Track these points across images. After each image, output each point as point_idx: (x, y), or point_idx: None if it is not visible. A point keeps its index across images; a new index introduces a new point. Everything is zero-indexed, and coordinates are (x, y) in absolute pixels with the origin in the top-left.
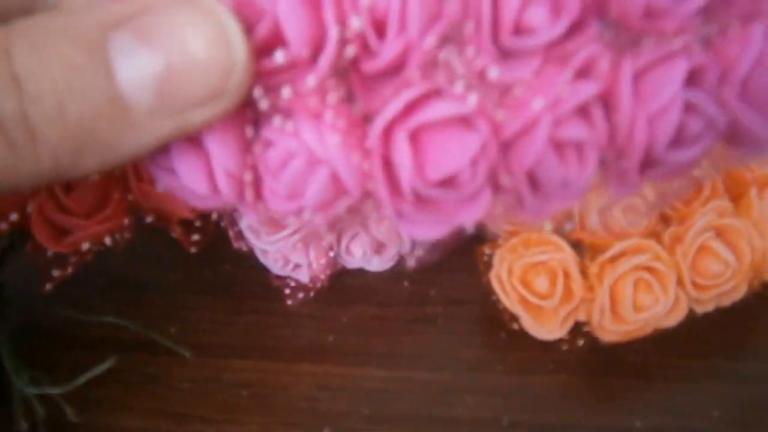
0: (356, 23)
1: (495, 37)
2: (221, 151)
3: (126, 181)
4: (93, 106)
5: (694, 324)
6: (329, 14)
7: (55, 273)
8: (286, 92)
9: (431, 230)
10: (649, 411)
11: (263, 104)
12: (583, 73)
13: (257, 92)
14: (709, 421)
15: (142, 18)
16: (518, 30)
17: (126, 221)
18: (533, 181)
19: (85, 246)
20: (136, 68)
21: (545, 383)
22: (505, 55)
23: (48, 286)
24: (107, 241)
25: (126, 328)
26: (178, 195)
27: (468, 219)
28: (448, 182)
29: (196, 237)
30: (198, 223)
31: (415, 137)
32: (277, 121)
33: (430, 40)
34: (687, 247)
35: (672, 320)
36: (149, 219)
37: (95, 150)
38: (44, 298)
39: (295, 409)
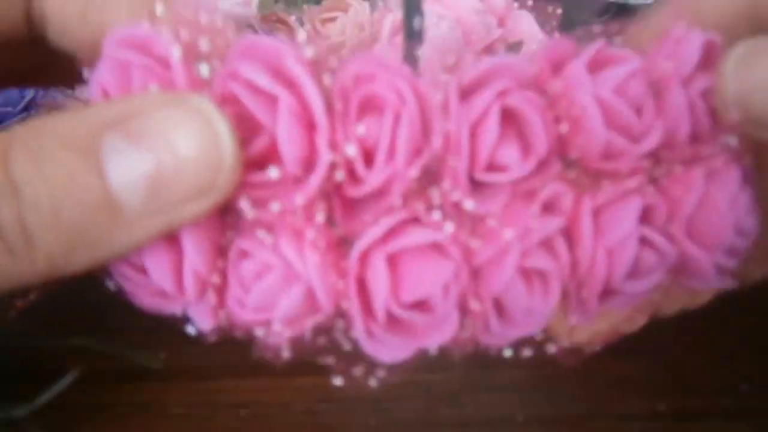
0: (350, 150)
1: (471, 171)
2: (195, 252)
3: None
4: (86, 209)
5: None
6: (323, 139)
7: (18, 302)
8: (274, 207)
9: (397, 352)
10: (671, 393)
11: (249, 215)
12: (548, 208)
13: (245, 204)
14: (737, 397)
15: (133, 120)
16: (491, 167)
17: None
18: (500, 307)
19: None
20: (127, 170)
21: (559, 374)
22: (478, 188)
23: (12, 314)
24: None
25: (111, 356)
26: (131, 292)
27: (435, 342)
28: (420, 305)
29: None
30: None
31: (392, 261)
32: (259, 233)
33: (414, 171)
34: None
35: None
36: None
37: (87, 249)
38: (13, 325)
39: (298, 425)
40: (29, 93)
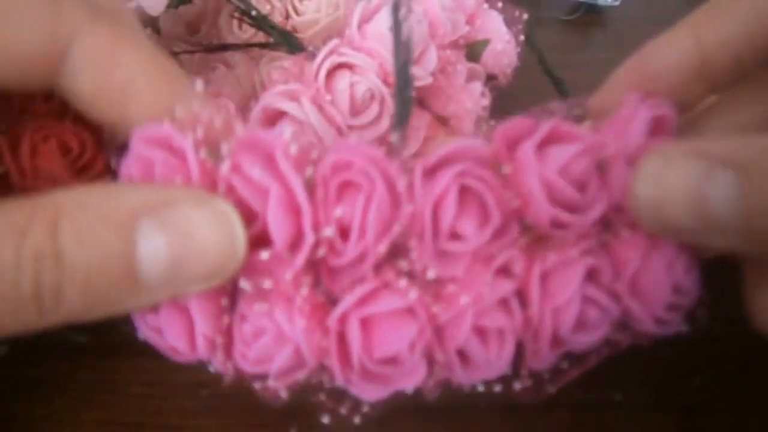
0: (328, 232)
1: (434, 242)
2: (203, 320)
3: (6, 183)
4: (114, 280)
5: None
6: (307, 223)
7: None
8: (267, 284)
9: (375, 394)
10: (630, 385)
11: (246, 287)
12: (503, 272)
13: (244, 281)
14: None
15: (167, 210)
16: (453, 236)
17: None
18: (463, 356)
19: None
20: (155, 253)
21: None
22: (442, 255)
23: None
24: None
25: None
26: (158, 347)
27: (406, 386)
28: (390, 361)
29: None
30: None
31: (365, 323)
32: (256, 304)
33: (382, 247)
34: None
35: None
36: None
37: (102, 308)
38: None
39: (259, 408)
40: None
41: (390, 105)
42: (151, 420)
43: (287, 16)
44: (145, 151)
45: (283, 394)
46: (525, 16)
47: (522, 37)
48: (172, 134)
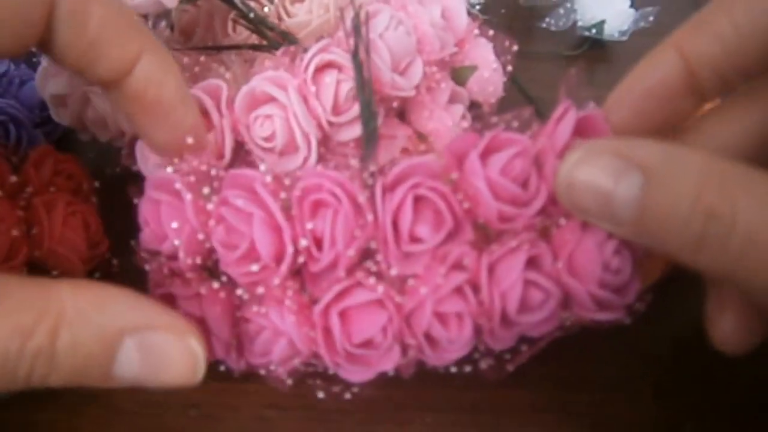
0: (303, 242)
1: (397, 246)
2: (218, 328)
3: (37, 240)
4: (90, 378)
5: None
6: (287, 237)
7: None
8: (259, 290)
9: (361, 375)
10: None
11: (244, 296)
12: (457, 266)
13: (241, 291)
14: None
15: (148, 332)
16: (413, 240)
17: (25, 272)
18: (430, 339)
19: None
20: (129, 365)
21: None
22: (404, 256)
23: None
24: None
25: None
26: None
27: (386, 368)
28: (366, 344)
29: None
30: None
31: (343, 315)
32: (253, 307)
33: (351, 252)
34: None
35: None
36: (54, 273)
37: (69, 384)
38: None
39: (246, 428)
40: (2, 68)
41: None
42: None
43: (279, 18)
44: (154, 194)
45: (287, 380)
46: (515, 47)
47: (510, 68)
48: (173, 179)
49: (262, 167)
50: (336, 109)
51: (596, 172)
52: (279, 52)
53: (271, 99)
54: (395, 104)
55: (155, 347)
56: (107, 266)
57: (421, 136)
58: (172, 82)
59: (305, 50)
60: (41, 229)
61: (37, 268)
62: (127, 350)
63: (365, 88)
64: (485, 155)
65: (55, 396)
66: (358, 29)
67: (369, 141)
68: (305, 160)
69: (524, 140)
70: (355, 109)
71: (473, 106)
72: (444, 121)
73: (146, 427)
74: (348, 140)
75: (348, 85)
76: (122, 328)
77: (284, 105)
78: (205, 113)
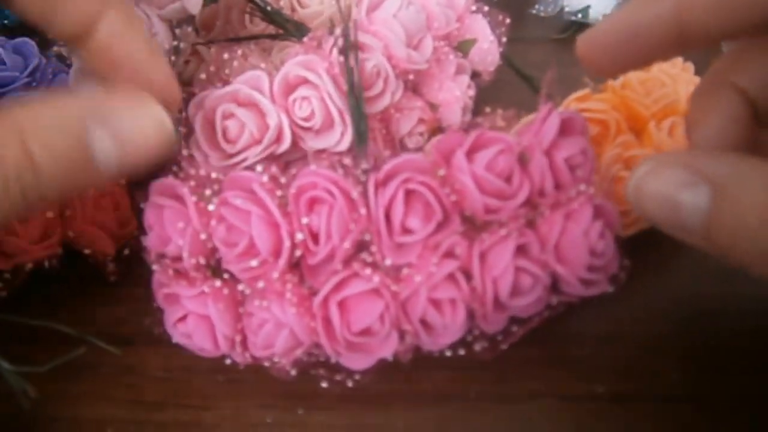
0: (299, 236)
1: (390, 238)
2: (222, 324)
3: (70, 221)
4: (79, 175)
5: None
6: (284, 232)
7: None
8: (260, 284)
9: (361, 363)
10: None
11: (246, 291)
12: (449, 254)
13: (242, 286)
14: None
15: (112, 115)
16: (405, 231)
17: (60, 251)
18: (426, 325)
19: (28, 266)
20: (106, 152)
21: (510, 355)
22: (397, 247)
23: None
24: (45, 263)
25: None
26: (189, 348)
27: (385, 353)
28: (365, 332)
29: (112, 267)
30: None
31: (341, 304)
32: (255, 301)
33: (347, 244)
34: (600, 178)
35: None
36: (86, 251)
37: (67, 190)
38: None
39: (269, 391)
40: (34, 60)
41: (392, 83)
42: (170, 400)
43: (293, 10)
44: (158, 200)
45: (292, 371)
46: (507, 20)
47: (504, 39)
48: (176, 185)
49: (259, 168)
50: (364, 84)
51: (665, 185)
52: (306, 38)
53: (305, 81)
54: (411, 77)
55: (122, 125)
56: (136, 242)
57: (433, 106)
58: (139, 38)
59: (331, 33)
60: (74, 211)
61: (71, 246)
62: (100, 140)
63: (355, 91)
64: (471, 152)
65: (93, 367)
66: (347, 35)
67: (360, 140)
68: (342, 134)
69: (508, 138)
70: (379, 85)
71: (474, 75)
72: (453, 91)
73: (175, 392)
74: (377, 113)
75: (371, 63)
76: (80, 116)
77: (317, 85)
78: (254, 105)
